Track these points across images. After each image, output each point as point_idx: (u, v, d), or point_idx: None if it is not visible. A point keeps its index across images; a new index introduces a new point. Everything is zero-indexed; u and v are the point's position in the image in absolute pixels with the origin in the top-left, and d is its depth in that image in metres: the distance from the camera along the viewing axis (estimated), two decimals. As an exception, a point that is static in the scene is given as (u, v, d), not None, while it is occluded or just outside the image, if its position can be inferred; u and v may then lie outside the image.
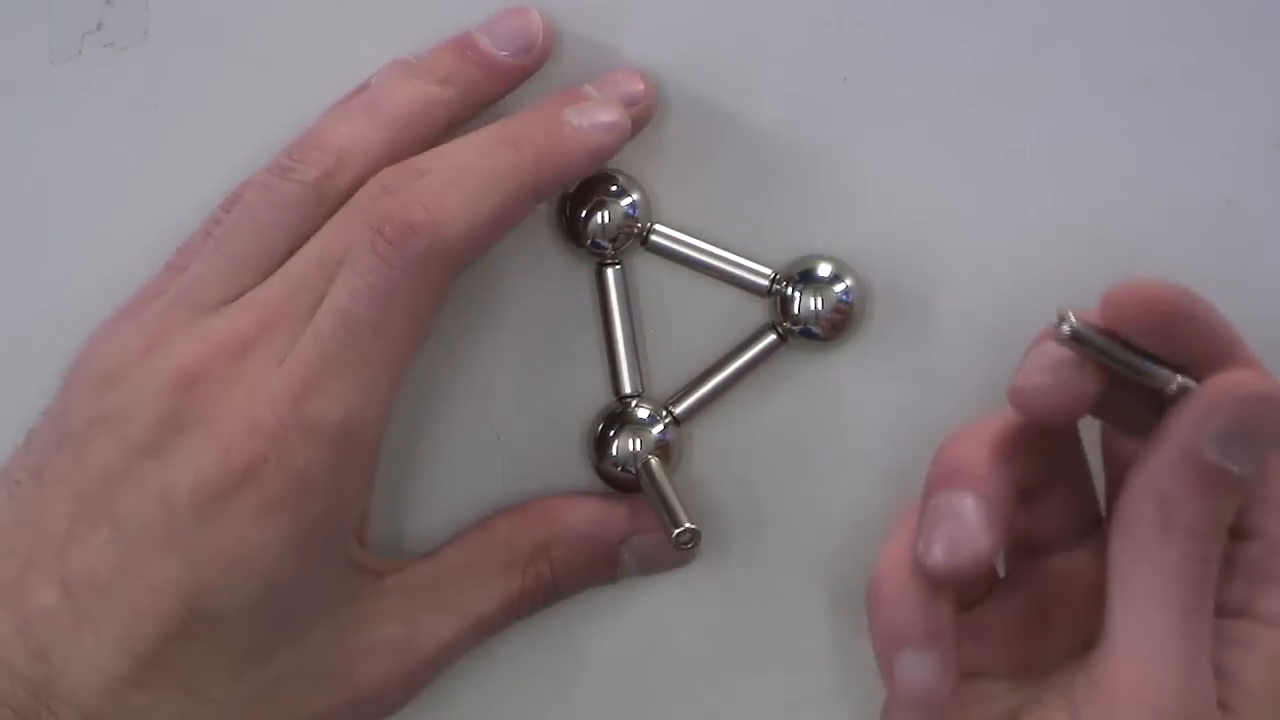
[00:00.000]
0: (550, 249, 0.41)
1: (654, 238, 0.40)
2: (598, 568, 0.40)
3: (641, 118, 0.39)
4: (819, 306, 0.39)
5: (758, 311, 0.40)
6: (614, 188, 0.40)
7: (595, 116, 0.37)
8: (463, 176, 0.35)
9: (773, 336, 0.40)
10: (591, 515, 0.39)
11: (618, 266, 0.40)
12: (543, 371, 0.41)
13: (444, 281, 0.35)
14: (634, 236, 0.40)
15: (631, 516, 0.40)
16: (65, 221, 0.41)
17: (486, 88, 0.39)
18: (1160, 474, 0.33)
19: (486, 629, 0.39)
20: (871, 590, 0.34)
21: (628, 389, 0.40)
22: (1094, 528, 0.36)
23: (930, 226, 0.40)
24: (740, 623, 0.41)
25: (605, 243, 0.40)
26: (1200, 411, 0.32)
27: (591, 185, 0.40)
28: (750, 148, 0.40)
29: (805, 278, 0.40)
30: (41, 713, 0.34)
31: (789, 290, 0.40)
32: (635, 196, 0.40)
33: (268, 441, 0.34)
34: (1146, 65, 0.39)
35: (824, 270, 0.40)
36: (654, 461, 0.40)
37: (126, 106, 0.40)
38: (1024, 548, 0.37)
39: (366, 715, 0.38)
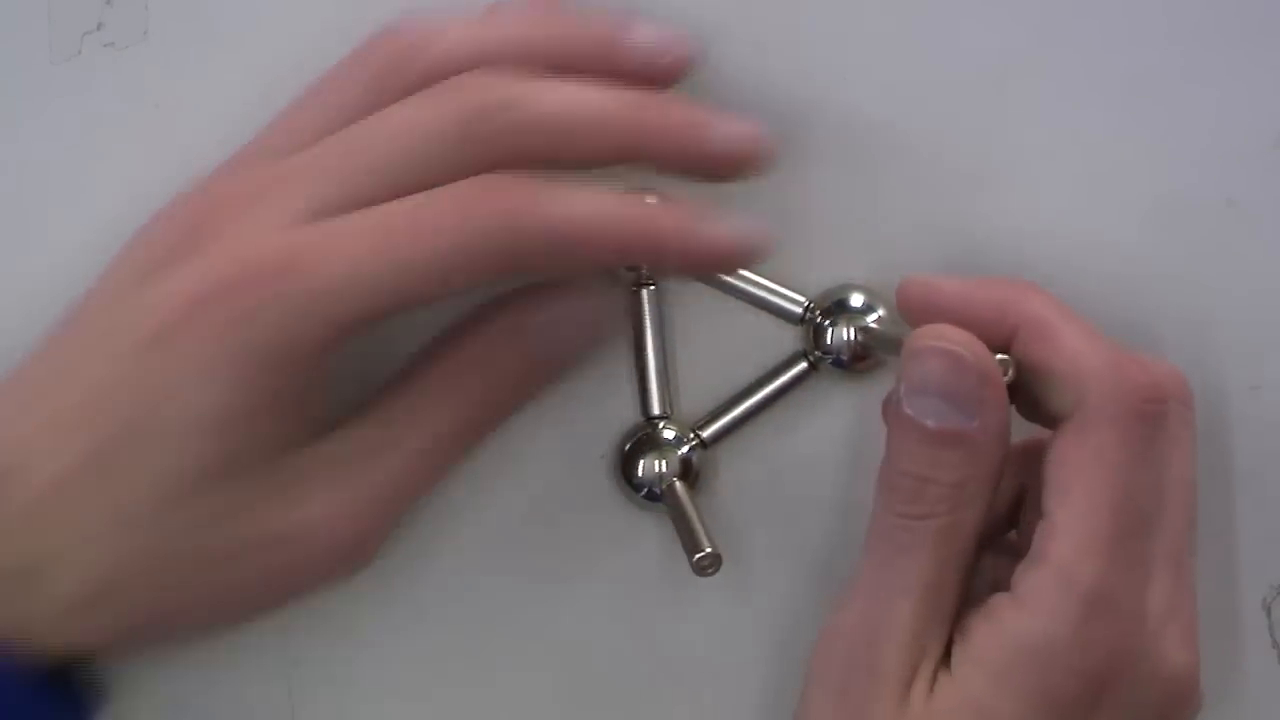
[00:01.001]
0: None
1: None
2: (529, 364, 0.38)
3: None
4: (850, 337, 0.39)
5: (790, 338, 0.40)
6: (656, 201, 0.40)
7: (734, 226, 0.36)
8: (599, 205, 0.35)
9: (803, 364, 0.40)
10: (507, 308, 0.38)
11: (652, 287, 0.40)
12: (572, 389, 0.40)
13: (500, 263, 0.34)
14: None
15: (550, 301, 0.38)
16: (65, 221, 0.41)
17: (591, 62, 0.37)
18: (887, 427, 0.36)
19: (439, 455, 0.38)
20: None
21: (656, 410, 0.40)
22: None
23: (938, 237, 0.40)
24: (761, 647, 0.41)
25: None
26: (902, 367, 0.35)
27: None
28: (791, 173, 0.40)
29: (838, 307, 0.40)
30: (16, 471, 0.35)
31: (821, 319, 0.40)
32: None
33: (258, 265, 0.34)
34: (1146, 65, 0.39)
35: (856, 300, 0.40)
36: (678, 484, 0.40)
37: (126, 106, 0.40)
38: None
39: (317, 563, 0.37)
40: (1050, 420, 0.35)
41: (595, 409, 0.41)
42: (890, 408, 0.35)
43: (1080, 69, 0.39)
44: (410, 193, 0.35)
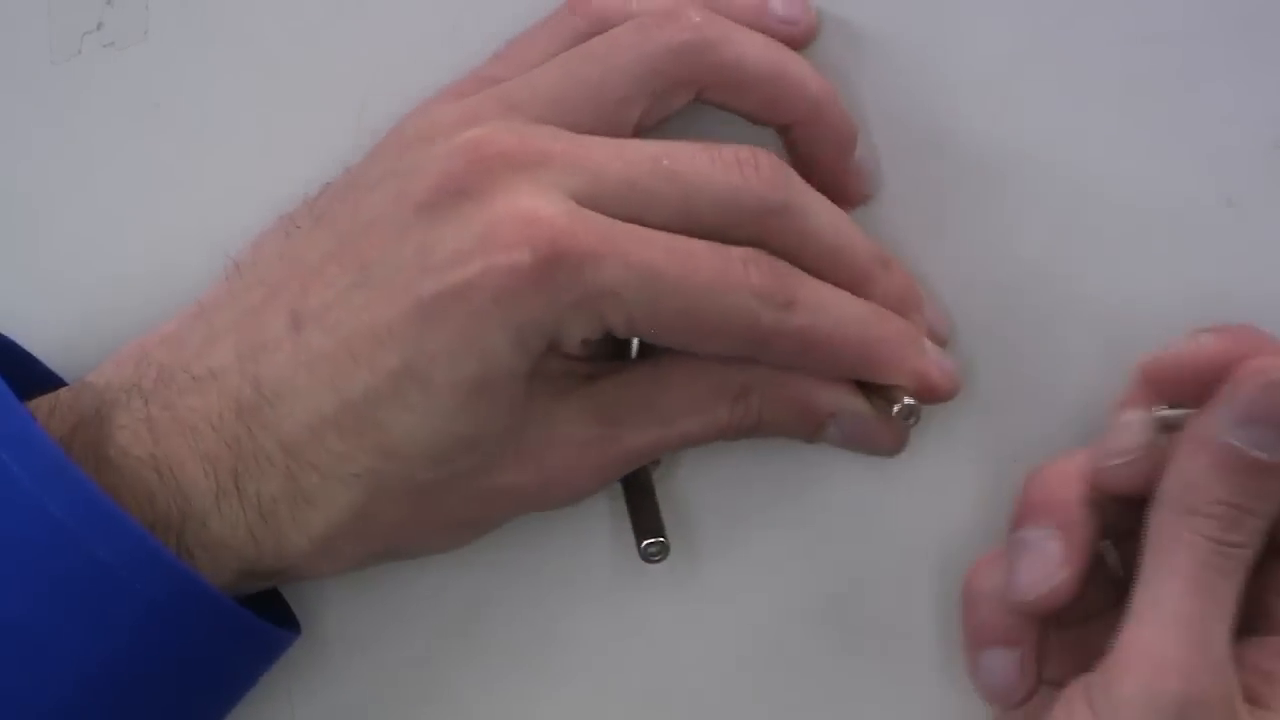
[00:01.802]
0: None
1: None
2: (801, 426, 0.39)
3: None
4: None
5: None
6: None
7: (944, 363, 0.38)
8: (846, 308, 0.37)
9: None
10: (809, 385, 0.38)
11: None
12: None
13: (753, 347, 0.36)
14: None
15: (845, 394, 0.39)
16: (65, 221, 0.41)
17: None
18: (1183, 460, 0.34)
19: (685, 443, 0.38)
20: (964, 590, 0.38)
21: None
22: None
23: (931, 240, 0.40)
24: (707, 638, 0.41)
25: None
26: (1224, 400, 0.34)
27: None
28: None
29: None
30: (242, 434, 0.35)
31: None
32: None
33: (542, 235, 0.34)
34: (1146, 65, 0.39)
35: None
36: (641, 467, 0.40)
37: (126, 106, 0.40)
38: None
39: (554, 499, 0.38)
40: None
41: None
42: (1208, 437, 0.34)
43: (1080, 69, 0.39)
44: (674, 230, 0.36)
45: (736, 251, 0.35)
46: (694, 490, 0.41)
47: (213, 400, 0.35)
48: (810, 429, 0.39)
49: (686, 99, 0.37)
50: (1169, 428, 0.35)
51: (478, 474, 0.36)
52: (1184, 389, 0.35)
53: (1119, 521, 0.36)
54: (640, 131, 0.37)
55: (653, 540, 0.38)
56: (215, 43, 0.40)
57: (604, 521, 0.41)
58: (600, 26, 0.38)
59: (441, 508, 0.37)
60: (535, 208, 0.34)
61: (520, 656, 0.41)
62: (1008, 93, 0.40)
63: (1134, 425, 0.36)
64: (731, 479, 0.41)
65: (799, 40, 0.39)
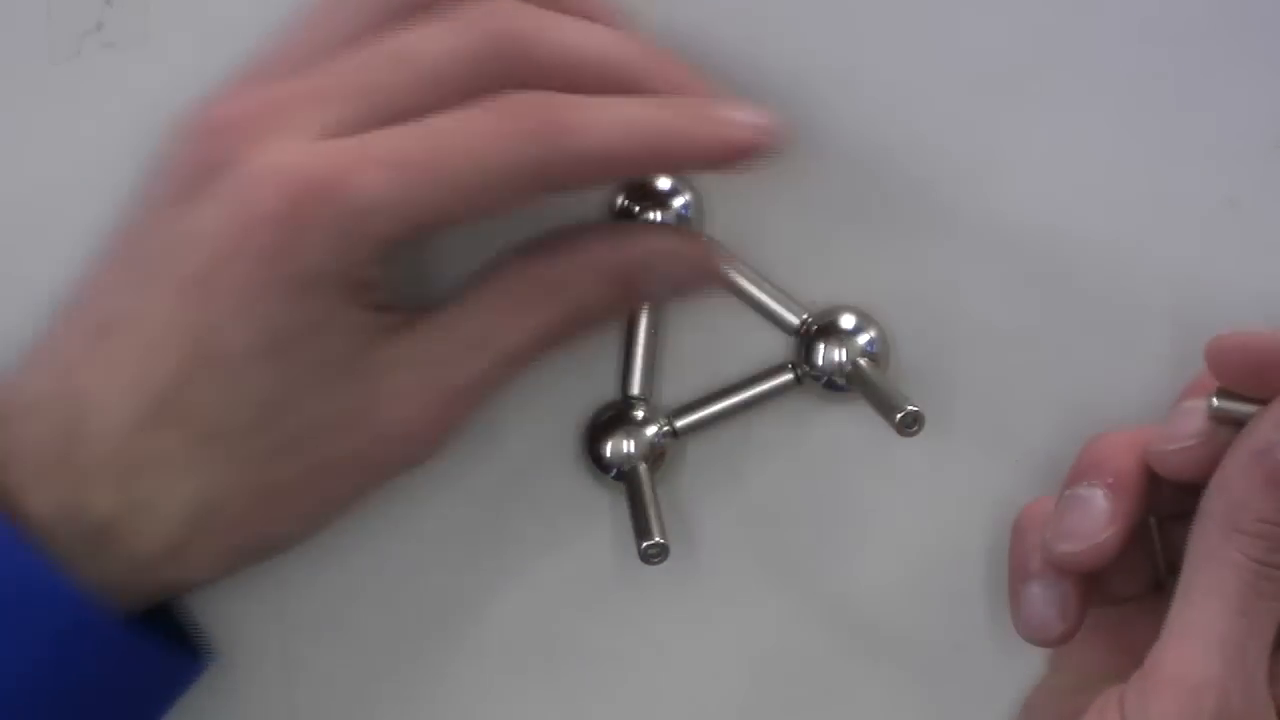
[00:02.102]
0: None
1: None
2: (621, 294, 0.39)
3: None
4: (839, 359, 0.39)
5: (783, 347, 0.40)
6: (668, 186, 0.40)
7: (750, 118, 0.36)
8: (607, 106, 0.35)
9: (789, 376, 0.40)
10: (614, 244, 0.38)
11: None
12: (555, 360, 0.40)
13: (539, 179, 0.35)
14: None
15: (656, 239, 0.39)
16: (65, 222, 0.41)
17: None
18: (1231, 475, 0.34)
19: (513, 364, 0.38)
20: (1015, 524, 0.38)
21: (635, 390, 0.40)
22: None
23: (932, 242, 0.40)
24: (702, 638, 0.41)
25: None
26: (1275, 415, 0.34)
27: (649, 182, 0.40)
28: (792, 179, 0.40)
29: (830, 328, 0.40)
30: (67, 455, 0.35)
31: (812, 338, 0.40)
32: (688, 198, 0.40)
33: (290, 188, 0.34)
34: (1147, 65, 0.39)
35: (847, 322, 0.40)
36: (642, 468, 0.40)
37: (126, 106, 0.40)
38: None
39: (396, 454, 0.37)
40: None
41: (576, 383, 0.41)
42: (1255, 456, 0.34)
43: (1081, 69, 0.39)
44: (429, 113, 0.35)
45: (484, 105, 0.35)
46: (694, 490, 0.41)
47: (38, 427, 0.35)
48: (632, 291, 0.38)
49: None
50: (1228, 420, 0.35)
51: (307, 443, 0.36)
52: (1248, 377, 0.34)
53: (1170, 503, 0.37)
54: None
55: (652, 541, 0.38)
56: (215, 43, 0.40)
57: (604, 521, 0.41)
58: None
59: (285, 488, 0.36)
60: (275, 159, 0.34)
61: (520, 657, 0.41)
62: (1008, 93, 0.40)
63: (1192, 413, 0.35)
64: (731, 479, 0.41)
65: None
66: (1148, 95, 0.39)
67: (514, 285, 0.38)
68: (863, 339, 0.40)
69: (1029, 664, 0.40)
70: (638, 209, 0.39)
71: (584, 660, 0.41)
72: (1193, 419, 0.35)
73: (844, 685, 0.41)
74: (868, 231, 0.40)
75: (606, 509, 0.41)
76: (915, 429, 0.37)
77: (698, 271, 0.39)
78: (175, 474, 0.35)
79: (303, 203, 0.34)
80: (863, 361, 0.39)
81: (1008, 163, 0.40)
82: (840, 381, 0.40)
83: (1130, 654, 0.35)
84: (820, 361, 0.40)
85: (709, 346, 0.41)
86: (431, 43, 0.35)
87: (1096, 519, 0.36)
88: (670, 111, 0.36)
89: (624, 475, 0.40)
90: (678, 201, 0.39)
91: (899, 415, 0.37)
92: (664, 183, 0.40)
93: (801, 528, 0.41)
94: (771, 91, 0.40)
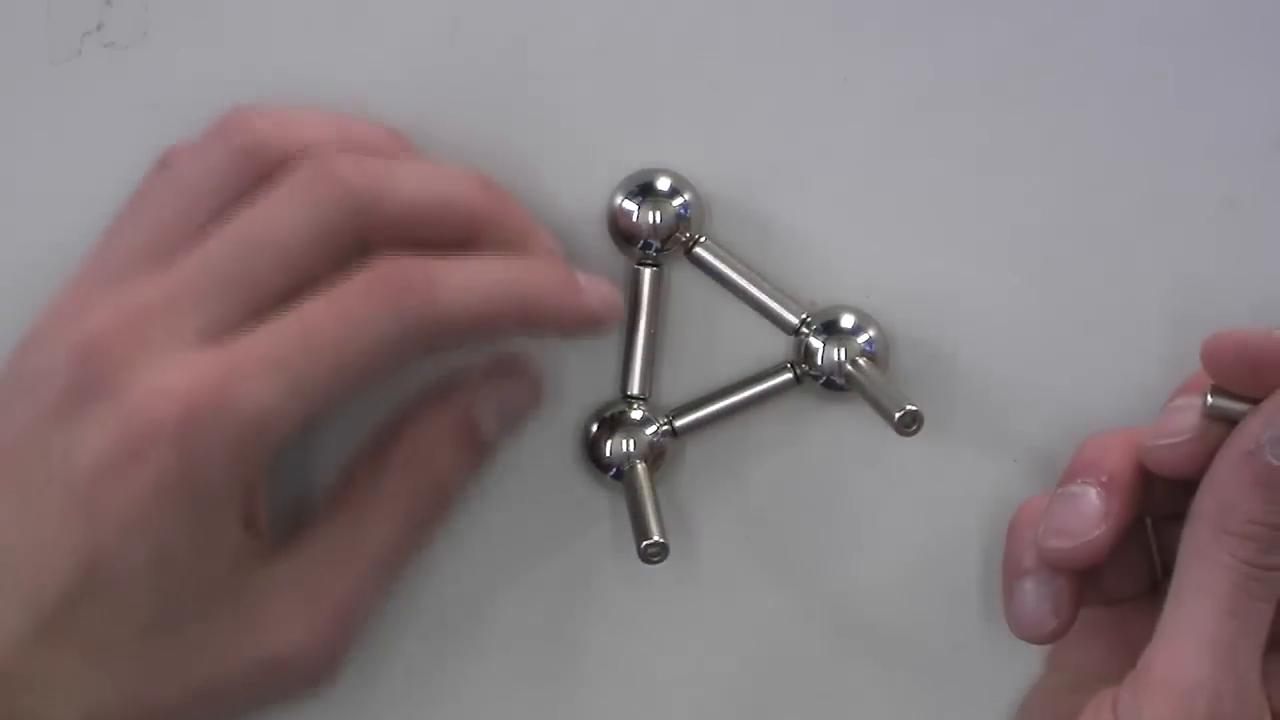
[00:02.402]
0: (594, 242, 0.40)
1: (699, 250, 0.40)
2: (465, 451, 0.39)
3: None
4: (839, 358, 0.39)
5: (782, 346, 0.40)
6: (668, 187, 0.40)
7: (599, 287, 0.37)
8: (470, 269, 0.36)
9: (788, 375, 0.40)
10: (432, 406, 0.39)
11: (656, 269, 0.40)
12: (556, 358, 0.40)
13: (413, 346, 0.35)
14: (680, 244, 0.40)
15: (469, 384, 0.39)
16: (65, 222, 0.41)
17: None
18: (1221, 476, 0.34)
19: (387, 567, 0.38)
20: (1011, 522, 0.38)
21: (634, 390, 0.40)
22: None
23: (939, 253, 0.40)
24: (703, 636, 0.41)
25: (654, 241, 0.39)
26: (1265, 415, 0.34)
27: (648, 181, 0.40)
28: (791, 183, 0.40)
29: (829, 327, 0.40)
30: None
31: (812, 337, 0.40)
32: (687, 198, 0.40)
33: (175, 412, 0.34)
34: (1146, 65, 0.39)
35: (847, 321, 0.40)
36: (641, 467, 0.40)
37: (126, 106, 0.40)
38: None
39: (285, 682, 0.37)
40: None
41: (575, 383, 0.41)
42: (1245, 457, 0.34)
43: (1080, 69, 0.39)
44: (294, 291, 0.35)
45: (351, 281, 0.35)
46: (693, 490, 0.41)
47: None
48: (471, 446, 0.39)
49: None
50: (1222, 419, 0.35)
51: (191, 665, 0.36)
52: (1243, 375, 0.34)
53: (1165, 502, 0.37)
54: None
55: (652, 541, 0.38)
56: (215, 43, 0.40)
57: (604, 521, 0.41)
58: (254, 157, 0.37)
59: (169, 709, 0.36)
60: (158, 381, 0.34)
61: (520, 656, 0.41)
62: (1008, 92, 0.40)
63: (1185, 410, 0.35)
64: (731, 478, 0.41)
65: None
66: (1148, 95, 0.39)
67: (363, 490, 0.38)
68: (861, 338, 0.40)
69: (1027, 663, 0.40)
70: (636, 209, 0.39)
71: (584, 660, 0.41)
72: (1185, 416, 0.35)
73: (843, 685, 0.41)
74: (868, 231, 0.40)
75: (606, 509, 0.41)
76: (914, 428, 0.37)
77: (522, 395, 0.39)
78: (61, 692, 0.35)
79: (194, 423, 0.34)
80: (862, 361, 0.39)
81: (1007, 163, 0.40)
82: (839, 381, 0.40)
83: (1127, 654, 0.35)
84: (820, 361, 0.40)
85: (708, 346, 0.41)
86: (281, 222, 0.35)
87: (1089, 516, 0.36)
88: (538, 272, 0.37)
89: (624, 475, 0.40)
90: (676, 201, 0.39)
91: (898, 415, 0.37)
92: (663, 183, 0.40)
93: (801, 527, 0.41)
94: (772, 91, 0.40)
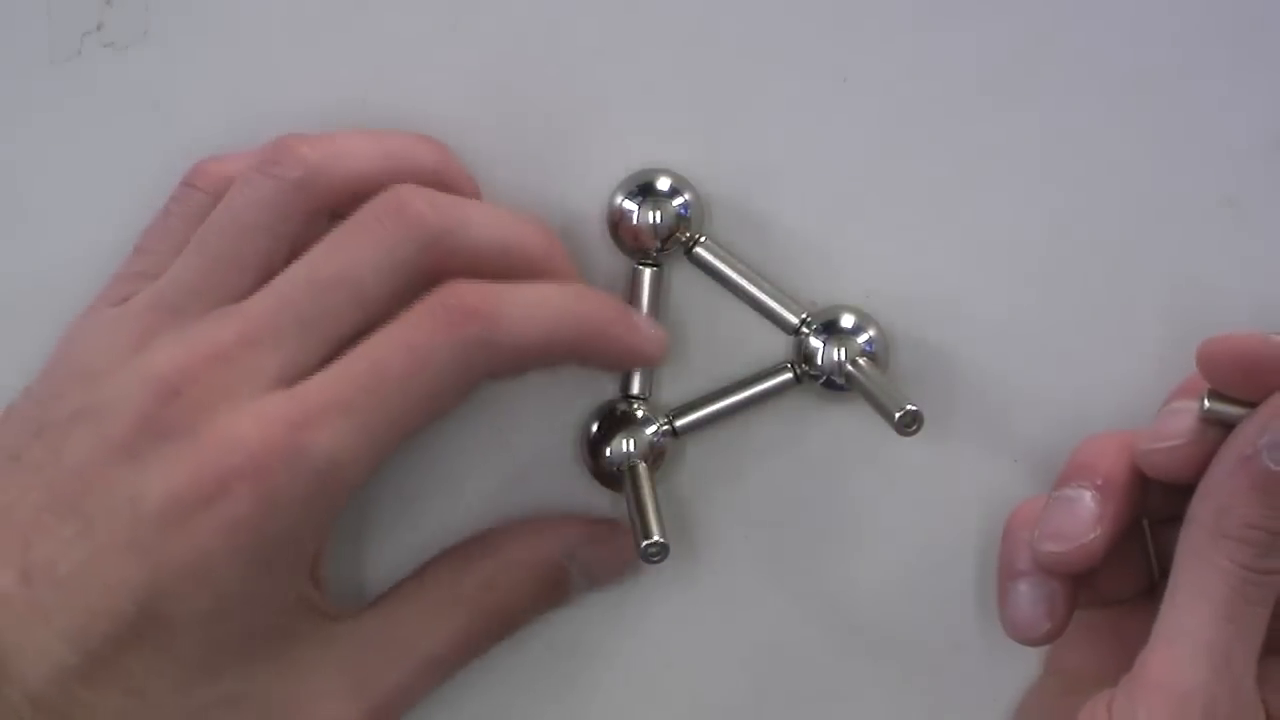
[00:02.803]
0: (594, 242, 0.40)
1: (699, 250, 0.40)
2: (547, 590, 0.40)
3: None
4: (839, 358, 0.39)
5: (782, 346, 0.40)
6: (668, 187, 0.40)
7: (649, 326, 0.38)
8: (531, 299, 0.36)
9: (789, 375, 0.40)
10: (531, 539, 0.39)
11: (656, 269, 0.40)
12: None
13: (477, 374, 0.35)
14: (680, 244, 0.40)
15: (572, 532, 0.40)
16: (65, 222, 0.41)
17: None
18: (1218, 480, 0.34)
19: (439, 670, 0.38)
20: (1006, 524, 0.38)
21: (635, 389, 0.40)
22: None
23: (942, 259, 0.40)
24: (703, 636, 0.41)
25: (654, 241, 0.39)
26: (1262, 419, 0.34)
27: (649, 181, 0.40)
28: (790, 185, 0.40)
29: (829, 327, 0.40)
30: None
31: (812, 337, 0.40)
32: (687, 198, 0.40)
33: (248, 459, 0.34)
34: (1146, 65, 0.39)
35: (847, 321, 0.40)
36: (641, 467, 0.40)
37: (126, 106, 0.40)
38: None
39: None
40: None
41: (575, 384, 0.40)
42: (1242, 461, 0.34)
43: (1080, 69, 0.39)
44: (366, 325, 0.35)
45: (417, 313, 0.35)
46: (694, 489, 0.41)
47: None
48: (556, 589, 0.39)
49: (322, 223, 0.37)
50: (1219, 423, 0.35)
51: (246, 703, 0.36)
52: (1238, 379, 0.34)
53: (1162, 505, 0.37)
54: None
55: (652, 541, 0.38)
56: (215, 43, 0.40)
57: (572, 500, 0.41)
58: (221, 192, 0.38)
59: None
60: (233, 428, 0.34)
61: (520, 656, 0.41)
62: (1008, 92, 0.40)
63: (1181, 413, 0.35)
64: (731, 478, 0.41)
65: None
66: (1148, 95, 0.39)
67: (438, 589, 0.39)
68: (861, 338, 0.40)
69: (1026, 665, 0.40)
70: (636, 209, 0.39)
71: (584, 660, 0.41)
72: (1181, 419, 0.35)
73: (843, 684, 0.41)
74: (868, 231, 0.40)
75: (607, 509, 0.41)
76: (914, 428, 0.37)
77: (618, 560, 0.40)
78: None
79: (265, 471, 0.34)
80: (862, 361, 0.39)
81: (1008, 163, 0.40)
82: (839, 381, 0.40)
83: (1123, 657, 0.35)
84: (820, 361, 0.40)
85: (708, 346, 0.41)
86: (358, 261, 0.35)
87: (1084, 520, 0.36)
88: (597, 305, 0.37)
89: (624, 474, 0.40)
90: (676, 201, 0.39)
91: (898, 415, 0.37)
92: (663, 183, 0.40)
93: (801, 527, 0.41)
94: (772, 92, 0.40)
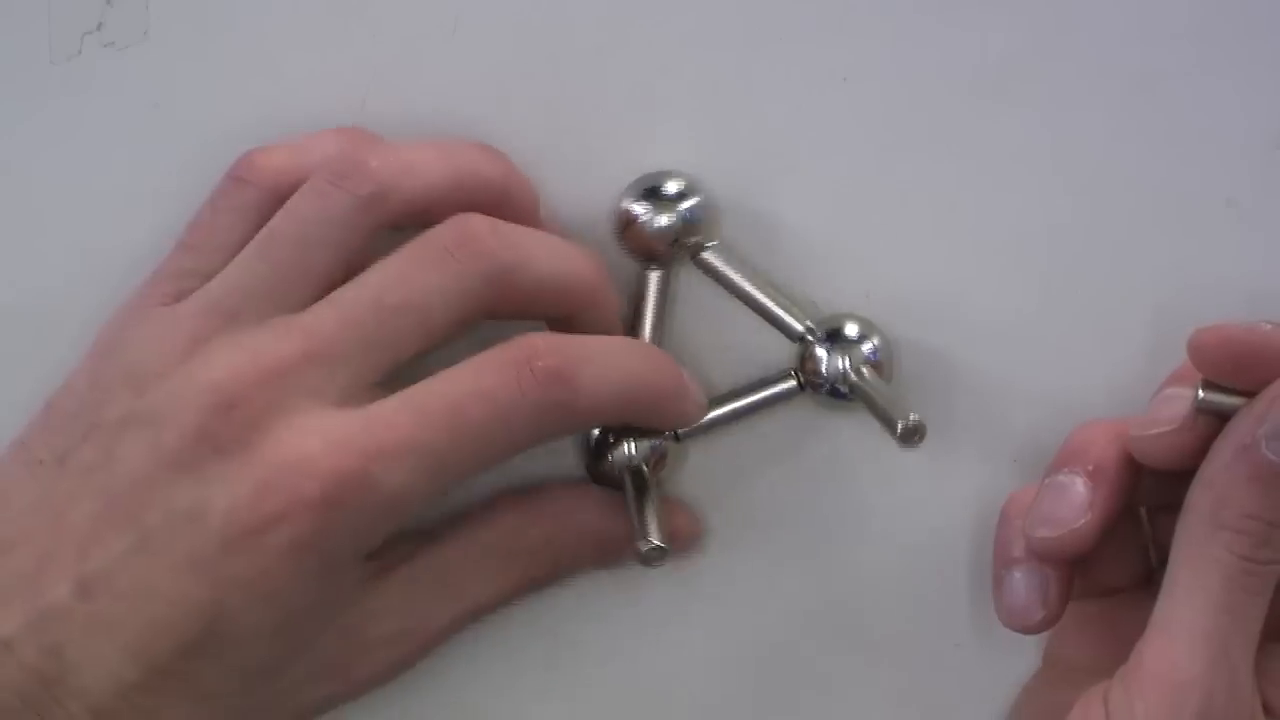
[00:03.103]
0: (600, 245, 0.40)
1: (705, 255, 0.40)
2: (602, 557, 0.40)
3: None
4: (843, 366, 0.39)
5: (787, 354, 0.40)
6: (675, 190, 0.40)
7: (697, 391, 0.38)
8: (608, 362, 0.36)
9: (792, 383, 0.40)
10: (601, 512, 0.39)
11: (662, 273, 0.40)
12: None
13: (552, 435, 0.36)
14: (686, 248, 0.40)
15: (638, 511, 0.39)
16: (65, 222, 0.41)
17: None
18: (1216, 470, 0.34)
19: (478, 615, 0.39)
20: (1002, 510, 0.38)
21: None
22: None
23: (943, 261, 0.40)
24: (702, 640, 0.41)
25: (660, 244, 0.39)
26: (1260, 409, 0.33)
27: (656, 185, 0.40)
28: (790, 186, 0.40)
29: (833, 335, 0.39)
30: (52, 706, 0.34)
31: (816, 345, 0.40)
32: (695, 201, 0.40)
33: (317, 484, 0.34)
34: (1147, 65, 0.39)
35: (851, 330, 0.40)
36: (644, 469, 0.40)
37: (126, 106, 0.40)
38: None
39: (358, 692, 0.38)
40: None
41: None
42: (1241, 451, 0.34)
43: (1080, 69, 0.39)
44: (426, 352, 0.36)
45: (490, 362, 0.35)
46: (694, 490, 0.41)
47: (13, 673, 0.34)
48: (611, 558, 0.40)
49: (384, 237, 0.37)
50: (1212, 412, 0.34)
51: (290, 697, 0.36)
52: (1229, 369, 0.34)
53: (1157, 493, 0.37)
54: (349, 277, 0.37)
55: (652, 545, 0.38)
56: (215, 43, 0.40)
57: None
58: (272, 189, 0.38)
59: None
60: (298, 450, 0.34)
61: (520, 656, 0.41)
62: (1009, 93, 0.40)
63: (1173, 399, 0.35)
64: (732, 479, 0.41)
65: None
66: (1148, 95, 0.39)
67: (501, 542, 0.39)
68: (866, 347, 0.39)
69: (1025, 662, 0.39)
70: (643, 213, 0.39)
71: (583, 660, 0.41)
72: (1173, 405, 0.35)
73: (843, 684, 0.41)
74: (867, 231, 0.40)
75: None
76: (917, 439, 0.37)
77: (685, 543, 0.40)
78: None
79: (335, 500, 0.34)
80: (866, 370, 0.39)
81: (1007, 163, 0.40)
82: (843, 389, 0.39)
83: (1120, 648, 0.35)
84: (824, 370, 0.39)
85: (713, 351, 0.41)
86: (424, 287, 0.36)
87: (1075, 505, 0.36)
88: (660, 369, 0.38)
89: (626, 478, 0.40)
90: (684, 205, 0.39)
91: (900, 426, 0.37)
92: (671, 186, 0.40)
93: (800, 526, 0.41)
94: (772, 93, 0.40)
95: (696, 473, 0.41)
